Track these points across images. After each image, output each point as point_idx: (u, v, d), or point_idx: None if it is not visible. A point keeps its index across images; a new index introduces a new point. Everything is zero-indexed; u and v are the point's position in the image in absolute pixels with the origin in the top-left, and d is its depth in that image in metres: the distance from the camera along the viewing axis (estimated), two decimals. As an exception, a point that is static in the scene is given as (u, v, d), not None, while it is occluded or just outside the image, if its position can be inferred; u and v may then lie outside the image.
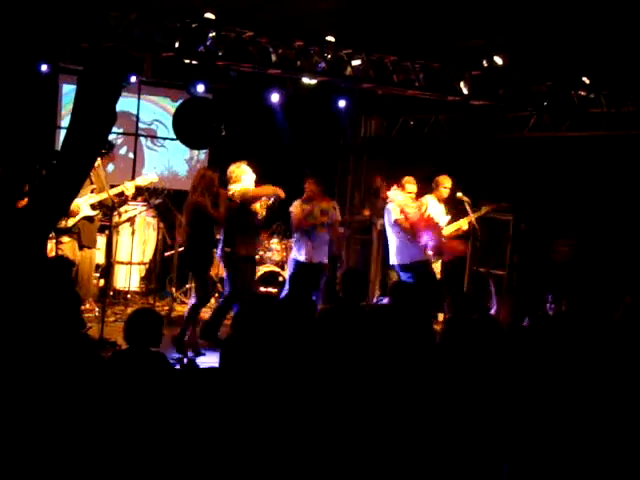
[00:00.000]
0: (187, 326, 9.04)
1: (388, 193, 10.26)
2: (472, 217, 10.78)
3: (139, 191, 11.35)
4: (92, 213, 9.60)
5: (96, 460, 4.95)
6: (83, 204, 9.45)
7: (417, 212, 10.19)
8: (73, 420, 5.07)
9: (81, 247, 9.59)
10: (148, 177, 10.76)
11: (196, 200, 9.00)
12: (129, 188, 9.85)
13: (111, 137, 10.08)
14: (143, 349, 5.60)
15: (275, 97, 11.15)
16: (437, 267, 11.00)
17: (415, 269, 10.19)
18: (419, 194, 10.56)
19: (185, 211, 9.31)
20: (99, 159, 9.36)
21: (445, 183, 10.82)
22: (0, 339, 5.78)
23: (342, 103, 11.85)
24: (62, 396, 5.16)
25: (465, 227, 10.84)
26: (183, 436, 5.13)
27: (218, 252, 9.50)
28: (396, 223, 10.18)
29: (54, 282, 7.03)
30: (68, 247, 9.48)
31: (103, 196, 9.56)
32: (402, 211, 10.12)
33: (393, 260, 10.43)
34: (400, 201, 10.13)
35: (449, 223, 10.91)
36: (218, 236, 9.63)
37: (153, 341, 5.68)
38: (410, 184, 10.37)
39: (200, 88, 9.53)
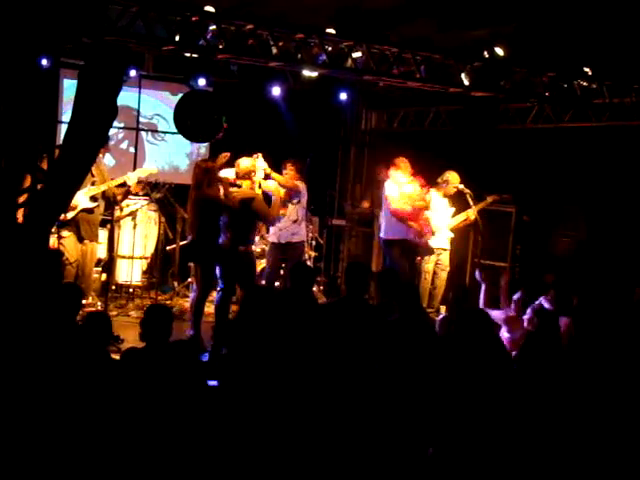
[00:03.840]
0: (198, 321, 9.05)
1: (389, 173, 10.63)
2: (476, 208, 10.80)
3: (140, 184, 11.34)
4: (91, 205, 9.54)
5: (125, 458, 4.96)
6: (81, 196, 9.39)
7: (410, 205, 10.48)
8: (85, 418, 5.07)
9: (81, 240, 9.55)
10: (147, 168, 10.73)
11: (206, 194, 9.00)
12: (131, 178, 9.82)
13: (112, 131, 10.04)
14: (161, 344, 5.59)
15: (276, 90, 11.13)
16: (445, 260, 10.98)
17: (394, 246, 10.58)
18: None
19: (193, 206, 9.25)
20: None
21: (454, 181, 10.85)
22: (3, 333, 5.79)
23: (344, 96, 11.83)
24: (67, 393, 5.16)
25: (472, 217, 10.87)
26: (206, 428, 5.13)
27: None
28: (386, 199, 10.64)
29: (45, 275, 7.03)
30: (69, 241, 9.45)
31: (102, 188, 9.52)
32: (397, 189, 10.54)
33: (381, 234, 10.92)
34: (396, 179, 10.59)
35: (454, 215, 10.95)
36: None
37: (167, 336, 5.68)
38: (403, 162, 10.53)
39: (201, 81, 9.50)
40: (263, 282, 10.72)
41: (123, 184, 9.76)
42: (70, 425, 5.05)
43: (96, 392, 5.23)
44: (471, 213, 10.86)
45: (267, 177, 9.98)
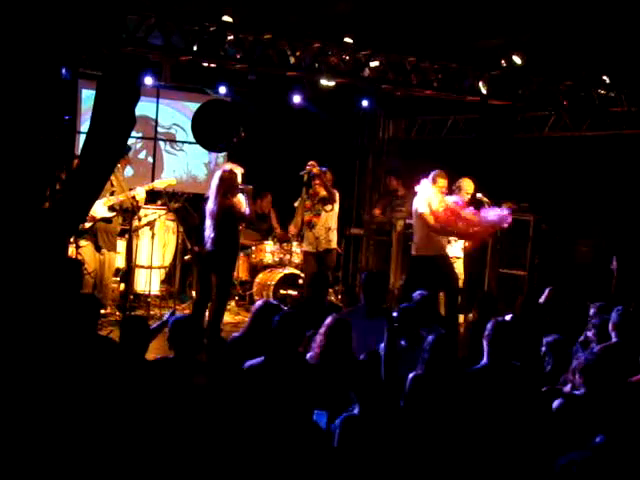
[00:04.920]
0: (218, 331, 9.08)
1: (417, 187, 10.25)
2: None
3: (158, 195, 11.38)
4: (109, 215, 9.61)
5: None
6: (99, 206, 9.44)
7: (444, 206, 10.10)
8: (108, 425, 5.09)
9: (98, 249, 9.60)
10: (165, 180, 10.78)
11: (222, 204, 8.99)
12: (139, 193, 9.87)
13: (130, 141, 10.08)
14: (189, 356, 5.64)
15: (297, 98, 11.16)
16: (460, 268, 10.95)
17: (433, 262, 10.07)
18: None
19: (210, 216, 9.23)
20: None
21: (468, 188, 10.75)
22: (19, 341, 5.81)
23: (365, 103, 11.85)
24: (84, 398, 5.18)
25: None
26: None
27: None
28: (421, 217, 10.08)
29: (65, 284, 7.06)
30: (87, 251, 9.50)
31: (120, 198, 9.57)
32: (429, 205, 10.04)
33: (414, 251, 10.33)
34: (428, 196, 10.07)
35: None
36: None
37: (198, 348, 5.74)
38: (441, 178, 10.32)
39: (222, 89, 9.52)
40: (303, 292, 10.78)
41: (132, 198, 9.81)
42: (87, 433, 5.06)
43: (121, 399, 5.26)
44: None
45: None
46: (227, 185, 9.09)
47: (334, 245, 10.88)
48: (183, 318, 6.09)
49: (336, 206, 10.74)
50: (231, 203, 9.07)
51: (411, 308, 6.66)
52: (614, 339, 6.54)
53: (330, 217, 10.71)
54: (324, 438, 4.87)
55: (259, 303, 6.66)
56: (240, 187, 9.22)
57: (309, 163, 10.51)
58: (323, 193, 10.60)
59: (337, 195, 10.69)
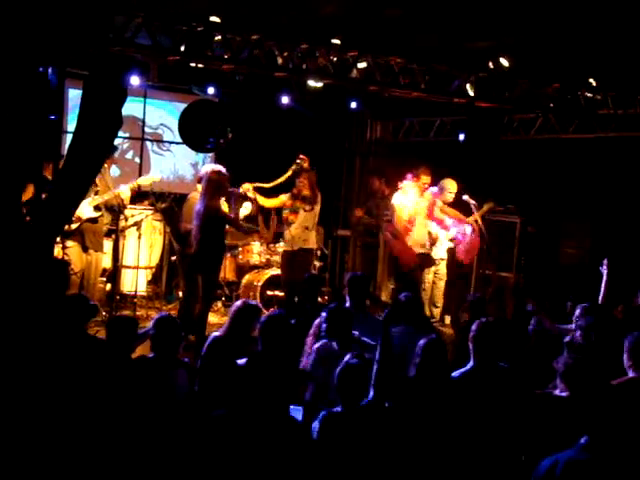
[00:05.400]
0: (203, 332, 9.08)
1: (401, 184, 10.69)
2: (477, 216, 10.84)
3: (145, 195, 11.36)
4: (95, 215, 9.58)
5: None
6: (85, 206, 9.41)
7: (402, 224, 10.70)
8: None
9: (85, 250, 9.57)
10: (149, 177, 10.76)
11: (209, 205, 8.99)
12: (124, 192, 9.86)
13: (117, 141, 10.07)
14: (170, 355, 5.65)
15: (284, 99, 11.14)
16: (443, 269, 11.01)
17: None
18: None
19: (197, 217, 9.23)
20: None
21: (451, 188, 10.86)
22: (9, 341, 5.80)
23: (352, 104, 11.84)
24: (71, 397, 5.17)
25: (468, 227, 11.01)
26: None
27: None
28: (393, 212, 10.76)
29: (51, 284, 7.05)
30: (73, 251, 9.47)
31: (105, 197, 9.56)
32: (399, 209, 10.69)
33: None
34: (398, 205, 10.70)
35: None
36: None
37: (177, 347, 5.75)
38: (425, 175, 10.56)
39: (210, 90, 9.50)
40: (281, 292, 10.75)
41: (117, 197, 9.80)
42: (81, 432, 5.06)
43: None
44: (471, 220, 10.93)
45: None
46: (214, 186, 9.09)
47: (310, 245, 10.60)
48: (166, 316, 6.10)
49: (317, 207, 10.56)
50: (218, 205, 9.07)
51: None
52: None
53: (309, 217, 10.49)
54: (301, 431, 4.88)
55: (238, 304, 6.66)
56: (230, 190, 9.24)
57: (300, 157, 10.41)
58: (306, 192, 10.45)
59: (319, 197, 10.53)
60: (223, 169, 9.32)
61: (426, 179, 10.67)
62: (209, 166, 9.89)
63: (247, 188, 10.04)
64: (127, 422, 5.18)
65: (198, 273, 9.24)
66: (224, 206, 9.29)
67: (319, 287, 9.14)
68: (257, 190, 10.19)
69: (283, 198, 10.51)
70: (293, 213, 10.47)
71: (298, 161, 10.39)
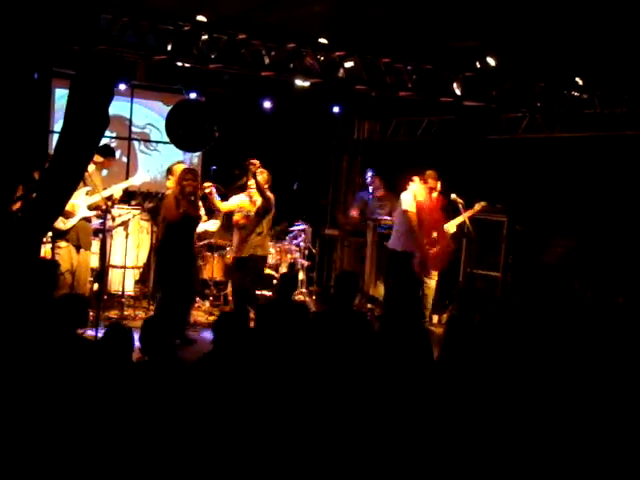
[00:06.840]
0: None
1: (409, 185, 10.69)
2: (465, 216, 10.86)
3: (132, 195, 11.34)
4: (90, 214, 9.59)
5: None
6: (81, 205, 9.42)
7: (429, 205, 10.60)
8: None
9: (78, 249, 9.55)
10: (141, 177, 10.74)
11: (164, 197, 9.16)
12: (117, 191, 9.86)
13: (104, 141, 10.05)
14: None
15: (269, 100, 11.16)
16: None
17: (404, 258, 10.56)
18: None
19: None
20: (94, 164, 9.39)
21: (430, 179, 10.80)
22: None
23: (336, 108, 11.88)
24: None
25: (452, 230, 11.00)
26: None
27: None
28: (405, 213, 10.57)
29: (38, 284, 7.03)
30: (65, 252, 9.44)
31: (98, 198, 9.56)
32: (414, 196, 10.59)
33: (390, 244, 10.87)
34: (415, 190, 10.59)
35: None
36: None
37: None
38: (432, 179, 10.58)
39: (193, 95, 9.53)
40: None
41: (110, 197, 9.79)
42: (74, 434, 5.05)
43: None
44: (460, 220, 10.96)
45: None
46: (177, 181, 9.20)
47: (263, 252, 10.26)
48: (152, 318, 6.10)
49: (270, 213, 10.12)
50: (169, 201, 9.16)
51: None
52: None
53: (263, 222, 10.07)
54: None
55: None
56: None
57: (251, 160, 9.94)
58: (257, 196, 10.03)
59: (273, 199, 10.05)
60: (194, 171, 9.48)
61: (432, 183, 10.62)
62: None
63: (208, 186, 9.93)
64: (118, 422, 5.17)
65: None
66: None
67: (293, 287, 9.14)
68: (217, 191, 10.11)
69: (239, 201, 10.28)
70: (245, 217, 10.14)
71: (248, 165, 9.99)
